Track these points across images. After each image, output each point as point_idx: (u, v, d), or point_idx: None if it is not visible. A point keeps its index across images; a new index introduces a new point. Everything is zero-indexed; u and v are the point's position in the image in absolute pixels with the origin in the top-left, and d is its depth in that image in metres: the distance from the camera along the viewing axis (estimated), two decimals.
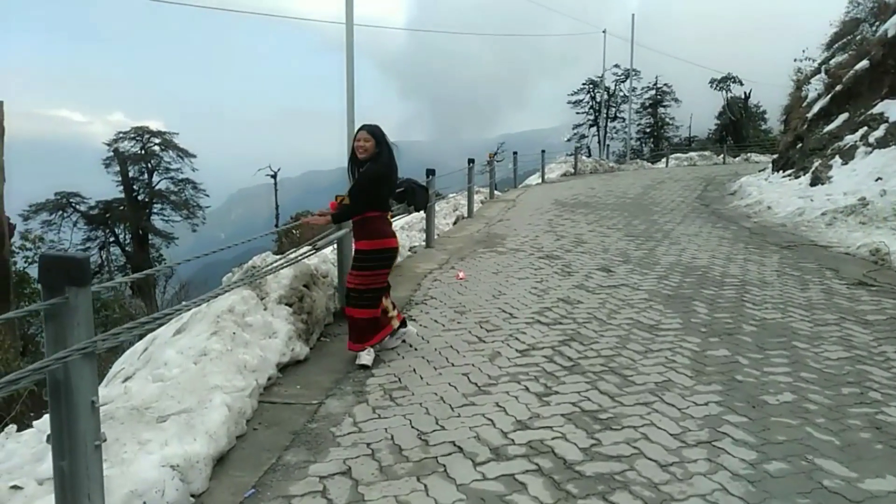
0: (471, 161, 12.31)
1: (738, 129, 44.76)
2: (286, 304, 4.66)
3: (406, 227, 9.72)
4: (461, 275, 6.96)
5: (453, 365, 4.26)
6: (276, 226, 33.66)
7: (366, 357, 4.29)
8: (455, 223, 11.40)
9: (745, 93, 45.58)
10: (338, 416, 3.49)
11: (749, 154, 34.54)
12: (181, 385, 3.33)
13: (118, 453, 2.71)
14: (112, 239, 33.03)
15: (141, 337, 4.80)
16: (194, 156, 35.30)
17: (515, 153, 18.48)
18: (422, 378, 4.03)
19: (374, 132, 4.30)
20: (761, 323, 5.20)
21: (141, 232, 33.11)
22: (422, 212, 8.17)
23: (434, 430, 3.27)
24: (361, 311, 4.33)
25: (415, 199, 6.98)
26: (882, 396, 3.70)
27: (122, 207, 32.85)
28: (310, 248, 4.63)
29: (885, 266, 7.51)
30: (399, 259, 7.83)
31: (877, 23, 16.04)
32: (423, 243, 9.02)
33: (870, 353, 4.49)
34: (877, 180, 11.44)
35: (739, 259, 7.91)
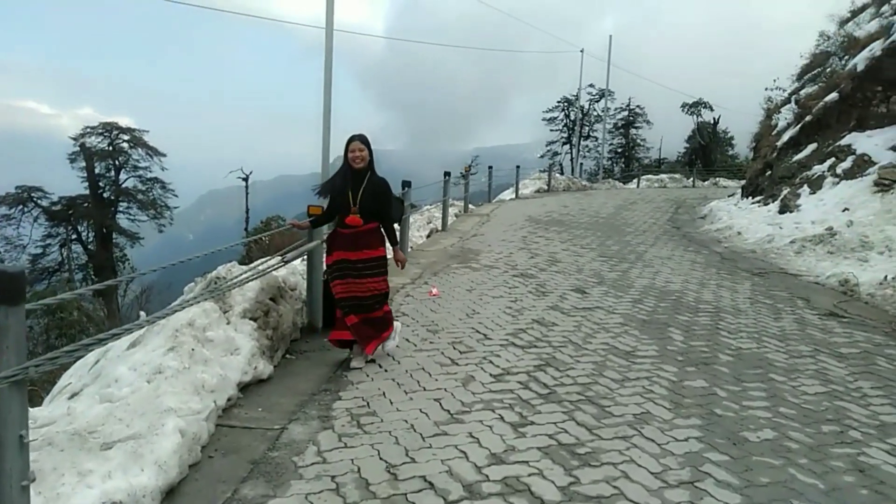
0: (447, 174, 12.18)
1: (706, 153, 45.65)
2: (251, 319, 4.42)
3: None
4: (434, 291, 6.78)
5: (425, 389, 4.08)
6: (246, 229, 33.08)
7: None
8: (429, 236, 11.25)
9: (713, 118, 46.59)
10: (301, 444, 3.27)
11: (717, 178, 35.18)
12: (131, 407, 3.08)
13: (54, 486, 2.46)
14: (74, 236, 32.00)
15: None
16: (164, 154, 34.53)
17: (490, 167, 18.43)
18: (391, 403, 3.83)
19: (367, 142, 4.48)
20: (737, 353, 5.13)
21: (105, 230, 32.16)
22: (396, 224, 7.98)
23: (404, 463, 3.08)
24: (386, 306, 4.70)
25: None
26: (862, 436, 3.63)
27: (86, 204, 31.88)
28: (279, 259, 4.41)
29: (854, 297, 7.57)
30: None
31: (846, 57, 16.46)
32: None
33: (846, 388, 4.44)
34: (843, 210, 11.64)
35: (712, 285, 7.89)
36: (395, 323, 4.83)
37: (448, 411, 3.73)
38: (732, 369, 4.72)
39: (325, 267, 4.90)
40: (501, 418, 3.64)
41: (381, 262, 4.56)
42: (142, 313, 5.13)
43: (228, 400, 3.67)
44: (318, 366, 4.52)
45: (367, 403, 3.82)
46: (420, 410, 3.73)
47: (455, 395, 3.98)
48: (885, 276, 7.73)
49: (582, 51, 33.45)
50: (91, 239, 32.23)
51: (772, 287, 7.91)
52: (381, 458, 3.12)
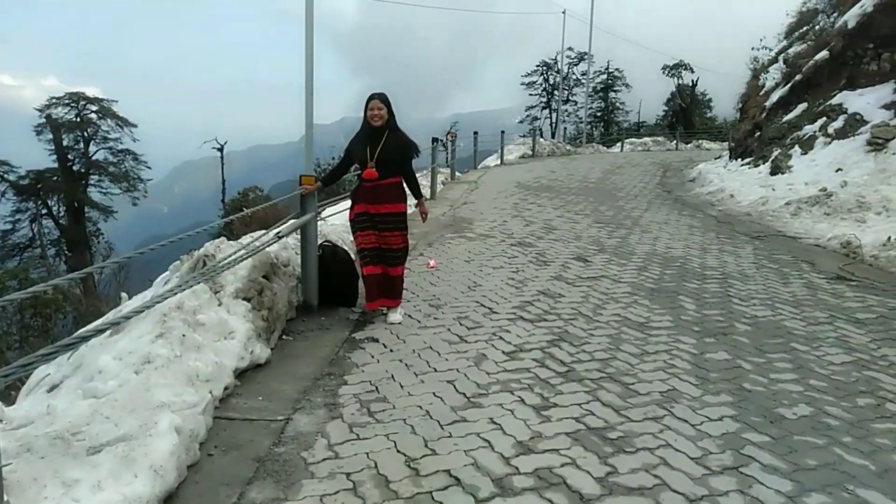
0: (434, 140, 11.77)
1: (687, 116, 45.46)
2: (244, 299, 4.09)
3: None
4: (432, 263, 6.49)
5: (436, 370, 3.81)
6: (223, 200, 32.33)
7: (400, 313, 4.74)
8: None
9: (692, 80, 46.26)
10: (309, 437, 2.99)
11: (700, 141, 35.06)
12: (119, 403, 2.76)
13: (36, 500, 2.15)
14: (44, 211, 30.97)
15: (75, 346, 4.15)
16: (135, 125, 33.37)
17: (476, 133, 18.00)
18: (402, 387, 3.56)
19: (386, 100, 4.55)
20: (753, 321, 4.93)
21: (76, 204, 31.17)
22: None
23: (424, 456, 2.81)
24: (403, 266, 4.80)
25: None
26: None
27: (55, 178, 30.81)
28: (273, 235, 4.07)
29: (857, 259, 7.43)
30: None
31: (835, 14, 16.18)
32: None
33: (871, 356, 4.26)
34: (837, 171, 11.50)
35: (714, 249, 7.70)
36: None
37: (464, 394, 3.47)
38: (752, 339, 4.52)
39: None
40: (522, 401, 3.39)
41: (401, 218, 4.70)
42: (123, 295, 4.77)
43: (225, 389, 3.36)
44: (317, 347, 4.22)
45: (376, 388, 3.54)
46: (434, 394, 3.46)
47: (469, 375, 3.72)
48: (889, 238, 7.59)
49: (564, 12, 32.73)
50: (62, 213, 31.25)
51: (774, 251, 7.74)
52: (398, 451, 2.86)
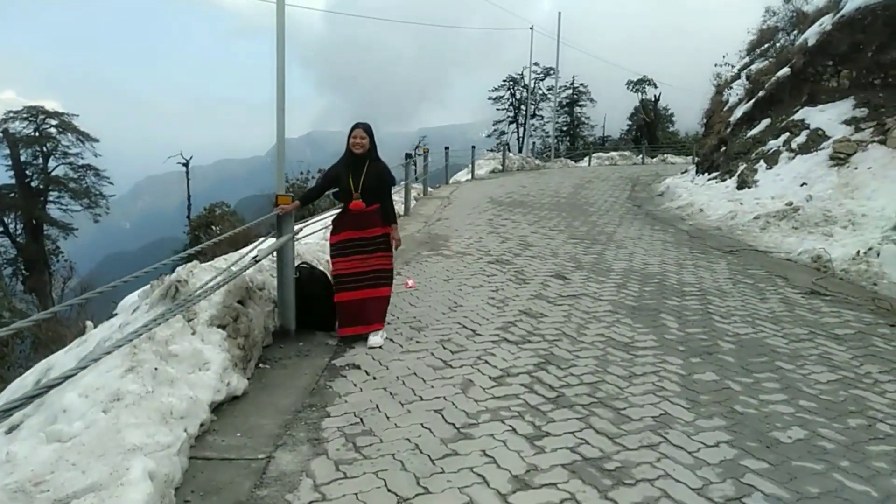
0: (408, 156, 11.67)
1: (651, 130, 46.33)
2: (219, 326, 3.90)
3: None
4: (410, 283, 6.35)
5: (422, 398, 3.67)
6: (189, 216, 31.67)
7: (382, 336, 4.70)
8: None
9: (654, 95, 47.21)
10: (293, 477, 2.82)
11: (665, 155, 35.72)
12: (87, 447, 2.56)
13: None
14: (0, 229, 29.87)
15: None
16: (96, 140, 32.52)
17: (447, 148, 17.96)
18: (388, 418, 3.41)
19: (369, 130, 4.70)
20: (737, 339, 4.92)
21: (35, 222, 30.14)
22: None
23: (417, 495, 2.67)
24: (390, 287, 4.90)
25: None
26: (891, 429, 3.43)
27: (12, 195, 29.78)
28: (251, 259, 3.89)
29: (829, 273, 7.54)
30: None
31: (795, 31, 16.66)
32: None
33: (856, 374, 4.27)
34: (802, 185, 11.74)
35: (689, 265, 7.73)
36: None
37: (453, 425, 3.34)
38: (738, 358, 4.50)
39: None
40: (514, 430, 3.28)
41: (387, 239, 4.82)
42: (89, 324, 4.53)
43: (201, 426, 3.17)
44: (297, 375, 4.04)
45: (361, 420, 3.39)
46: (422, 425, 3.32)
47: (456, 404, 3.59)
48: (858, 252, 7.74)
49: (532, 28, 33.11)
50: (20, 231, 30.17)
51: (747, 265, 7.81)
52: (388, 490, 2.71)
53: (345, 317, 4.70)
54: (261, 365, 4.17)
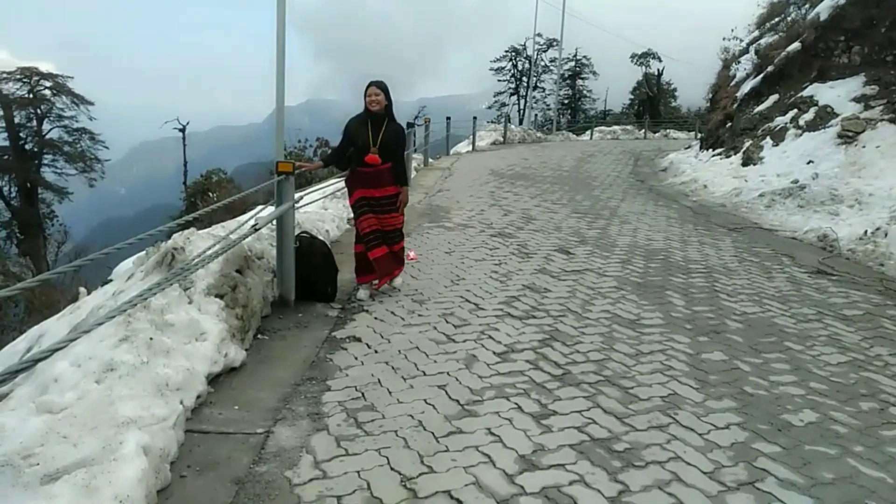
0: (409, 125, 11.45)
1: (654, 105, 45.83)
2: (216, 296, 3.78)
3: (341, 196, 8.77)
4: (412, 255, 6.22)
5: (425, 373, 3.58)
6: (185, 183, 31.37)
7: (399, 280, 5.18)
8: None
9: (658, 70, 46.57)
10: (293, 453, 2.73)
11: (668, 130, 35.35)
12: (78, 419, 2.46)
13: None
14: None
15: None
16: (91, 103, 31.96)
17: (448, 118, 17.69)
18: (390, 393, 3.32)
19: (384, 87, 4.69)
20: (744, 318, 4.83)
21: (29, 185, 29.81)
22: None
23: (421, 474, 2.59)
24: (401, 242, 5.10)
25: None
26: None
27: (6, 157, 29.39)
28: (250, 227, 3.76)
29: (835, 253, 7.44)
30: (338, 233, 7.02)
31: (806, 5, 16.28)
32: None
33: (866, 356, 4.19)
34: (808, 163, 11.57)
35: (694, 242, 7.62)
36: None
37: (457, 401, 3.25)
38: (745, 337, 4.41)
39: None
40: (519, 408, 3.19)
41: (393, 200, 4.90)
42: (82, 290, 4.41)
43: (198, 398, 3.07)
44: (296, 347, 3.95)
45: (363, 395, 3.29)
46: (425, 401, 3.23)
47: (460, 380, 3.50)
48: (865, 231, 7.63)
49: None
50: (14, 194, 29.86)
51: (753, 243, 7.70)
52: (392, 469, 2.62)
53: (381, 268, 4.91)
54: (259, 336, 4.07)
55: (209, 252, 3.39)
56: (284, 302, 4.58)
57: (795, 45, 14.40)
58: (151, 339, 3.08)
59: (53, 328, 3.88)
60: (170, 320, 3.34)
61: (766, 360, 4.02)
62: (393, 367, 3.64)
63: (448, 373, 3.59)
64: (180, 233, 4.04)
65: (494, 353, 3.91)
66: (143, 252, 4.14)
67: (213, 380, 3.32)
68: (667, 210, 10.00)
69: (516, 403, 3.24)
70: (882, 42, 12.46)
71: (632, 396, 3.40)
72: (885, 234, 7.43)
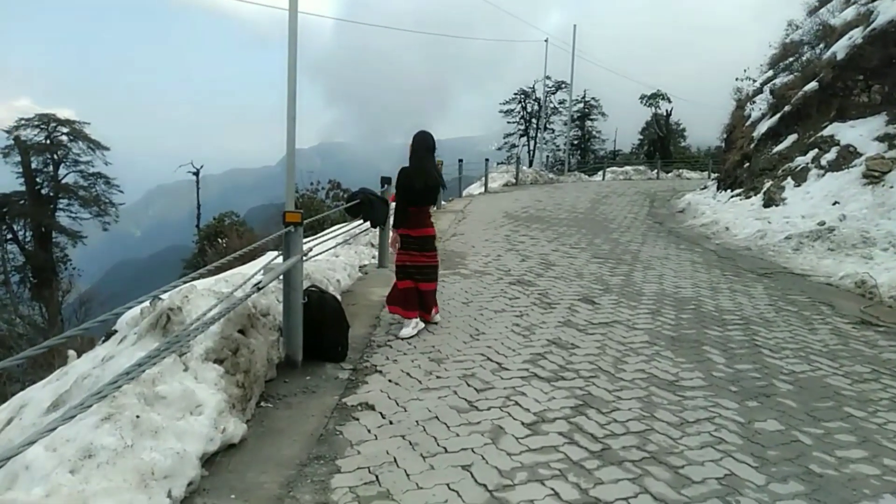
0: None
1: (665, 145, 45.79)
2: (215, 361, 3.43)
3: (351, 242, 8.48)
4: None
5: (446, 450, 3.18)
6: (198, 225, 31.42)
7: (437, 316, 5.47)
8: None
9: (667, 110, 46.70)
10: None
11: (680, 170, 35.14)
12: None
13: None
14: (9, 236, 29.68)
15: None
16: (107, 148, 32.38)
17: (461, 160, 17.55)
18: (408, 476, 2.92)
19: (411, 139, 5.22)
20: (794, 378, 4.40)
21: (43, 229, 29.97)
22: (377, 227, 7.03)
23: None
24: (435, 282, 5.44)
25: (372, 212, 5.92)
26: None
27: (22, 201, 29.64)
28: (253, 286, 3.43)
29: (876, 301, 7.00)
30: (349, 281, 6.69)
31: (821, 45, 16.15)
32: (375, 261, 7.87)
33: None
34: (834, 204, 11.22)
35: (724, 289, 7.22)
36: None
37: (485, 486, 2.84)
38: (799, 402, 3.98)
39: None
40: (557, 495, 2.77)
41: (429, 239, 5.39)
42: (71, 353, 4.07)
43: (189, 485, 2.69)
44: (302, 417, 3.57)
45: (377, 478, 2.89)
46: (448, 487, 2.82)
47: (487, 458, 3.10)
48: None
49: (546, 40, 32.80)
50: (28, 238, 29.98)
51: (787, 291, 7.28)
52: None
53: (410, 302, 5.16)
54: (262, 403, 3.70)
55: (210, 314, 3.06)
56: (291, 363, 4.22)
57: (813, 85, 14.19)
58: (138, 416, 2.72)
59: (37, 397, 3.53)
60: (161, 392, 2.98)
61: (828, 430, 3.59)
62: (410, 443, 3.24)
63: (473, 449, 3.18)
64: (178, 289, 3.72)
65: (523, 423, 3.50)
66: (139, 310, 3.81)
67: (208, 459, 2.94)
68: (690, 254, 9.62)
69: (552, 489, 2.82)
70: None
71: (683, 478, 2.97)
72: None
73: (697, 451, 3.25)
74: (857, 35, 13.51)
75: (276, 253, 6.02)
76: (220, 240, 17.95)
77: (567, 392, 3.97)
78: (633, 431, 3.45)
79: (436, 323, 5.36)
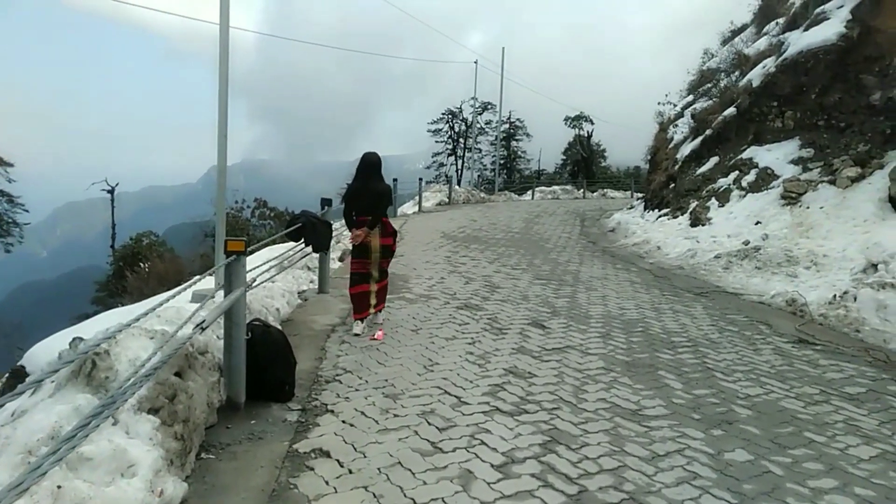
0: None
1: (588, 165, 47.29)
2: (150, 411, 3.03)
3: (287, 264, 8.04)
4: (378, 334, 5.58)
5: (415, 502, 2.91)
6: (113, 245, 29.65)
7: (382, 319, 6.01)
8: (341, 259, 9.91)
9: (587, 131, 48.38)
10: None
11: (605, 190, 36.31)
12: None
13: None
14: None
15: None
16: (10, 164, 29.99)
17: (395, 180, 17.33)
18: None
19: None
20: (750, 403, 4.40)
21: None
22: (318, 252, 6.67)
23: None
24: (385, 280, 5.96)
25: (314, 236, 5.59)
26: None
27: None
28: (195, 326, 3.06)
29: (807, 319, 7.26)
30: (289, 309, 6.30)
31: (736, 73, 17.07)
32: (315, 286, 7.49)
33: (893, 446, 3.80)
34: (756, 223, 11.71)
35: (666, 310, 7.30)
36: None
37: None
38: (761, 428, 3.96)
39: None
40: None
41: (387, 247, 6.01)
42: None
43: None
44: (250, 468, 3.20)
45: None
46: None
47: None
48: (834, 296, 7.51)
49: (476, 62, 33.23)
50: None
51: (725, 310, 7.45)
52: None
53: (360, 305, 5.82)
54: (203, 455, 3.30)
55: (149, 363, 2.67)
56: (233, 406, 3.83)
57: (731, 110, 14.91)
58: (60, 487, 2.31)
59: None
60: (86, 453, 2.57)
61: (795, 458, 3.56)
62: (375, 495, 2.95)
63: (443, 499, 2.93)
64: (104, 330, 3.28)
65: (492, 465, 3.28)
66: (56, 355, 3.33)
67: None
68: (627, 274, 9.75)
69: None
70: (813, 108, 12.99)
71: None
72: (855, 299, 7.31)
73: (675, 490, 3.12)
74: (770, 64, 14.31)
75: (206, 278, 5.57)
76: (141, 264, 16.84)
77: (532, 427, 3.79)
78: (606, 469, 3.30)
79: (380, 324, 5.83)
